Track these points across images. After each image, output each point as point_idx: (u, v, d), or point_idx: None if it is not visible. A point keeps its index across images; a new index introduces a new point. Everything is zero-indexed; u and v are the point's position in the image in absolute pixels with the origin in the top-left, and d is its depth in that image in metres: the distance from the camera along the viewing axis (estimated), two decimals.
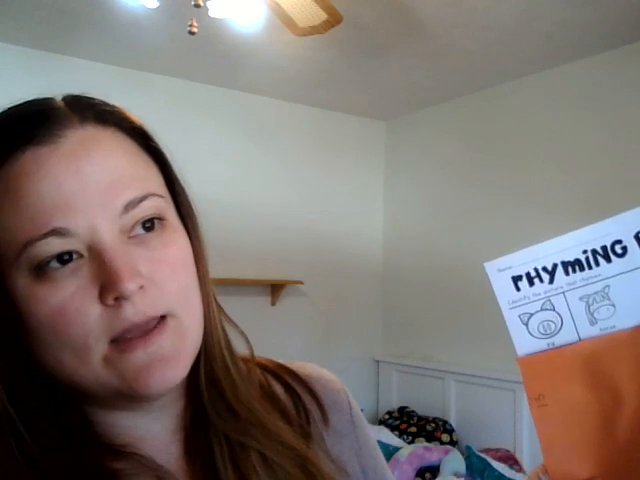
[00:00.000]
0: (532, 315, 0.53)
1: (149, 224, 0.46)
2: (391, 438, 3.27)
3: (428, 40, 2.79)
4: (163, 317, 0.46)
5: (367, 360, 3.94)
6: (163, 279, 0.46)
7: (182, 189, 0.54)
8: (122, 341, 0.44)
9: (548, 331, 0.53)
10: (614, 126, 2.81)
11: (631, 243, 0.50)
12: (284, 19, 2.12)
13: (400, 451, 2.98)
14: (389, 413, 3.63)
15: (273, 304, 3.59)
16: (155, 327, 0.45)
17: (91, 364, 0.44)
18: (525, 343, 0.54)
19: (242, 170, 3.52)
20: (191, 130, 3.34)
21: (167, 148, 0.54)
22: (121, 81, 3.11)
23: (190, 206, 0.54)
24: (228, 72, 3.27)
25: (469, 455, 2.92)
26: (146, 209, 0.46)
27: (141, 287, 0.44)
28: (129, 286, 0.43)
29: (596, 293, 0.51)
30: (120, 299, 0.43)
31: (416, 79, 3.31)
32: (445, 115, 3.67)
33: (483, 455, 2.85)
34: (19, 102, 0.47)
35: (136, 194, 0.46)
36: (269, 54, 2.98)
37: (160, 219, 0.47)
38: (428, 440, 3.22)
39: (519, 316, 0.54)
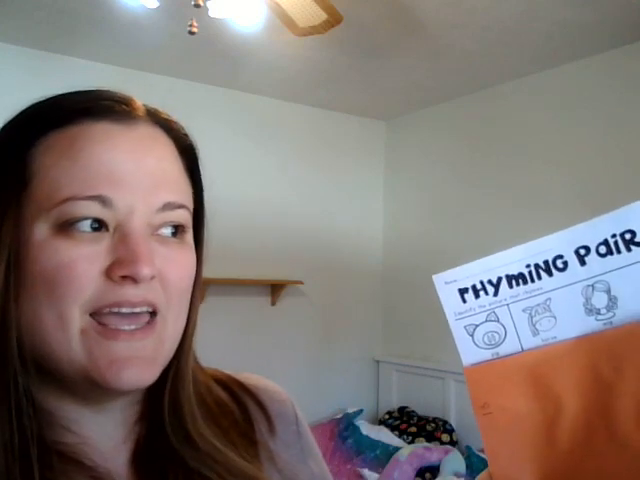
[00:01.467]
0: (477, 326, 0.56)
1: (174, 230, 0.50)
2: (391, 438, 3.27)
3: (428, 40, 2.79)
4: (153, 314, 0.47)
5: (367, 360, 3.94)
6: (170, 279, 0.48)
7: (204, 218, 0.57)
8: (109, 328, 0.45)
9: (492, 342, 0.55)
10: (614, 126, 2.81)
11: (571, 258, 0.52)
12: (284, 19, 2.12)
13: (400, 451, 2.98)
14: (389, 413, 3.63)
15: (273, 304, 3.59)
16: (146, 324, 0.47)
17: (68, 331, 0.45)
18: (471, 353, 0.56)
19: (242, 170, 3.52)
20: (191, 130, 3.33)
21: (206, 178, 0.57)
22: (121, 81, 3.10)
23: (203, 235, 0.57)
24: (228, 72, 3.27)
25: (469, 455, 2.92)
26: (178, 216, 0.49)
27: (152, 277, 0.46)
28: (144, 270, 0.45)
29: (538, 305, 0.53)
30: (127, 278, 0.45)
31: (416, 79, 3.31)
32: (445, 115, 3.67)
33: (483, 455, 2.85)
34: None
35: (177, 199, 0.49)
36: (269, 54, 2.98)
37: (184, 230, 0.51)
38: (428, 440, 3.22)
39: (465, 327, 0.56)
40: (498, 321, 0.55)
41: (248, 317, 3.48)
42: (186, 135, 0.56)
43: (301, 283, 3.59)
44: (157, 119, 0.52)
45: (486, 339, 0.55)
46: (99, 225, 0.46)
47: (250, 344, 3.46)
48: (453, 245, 3.48)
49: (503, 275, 0.55)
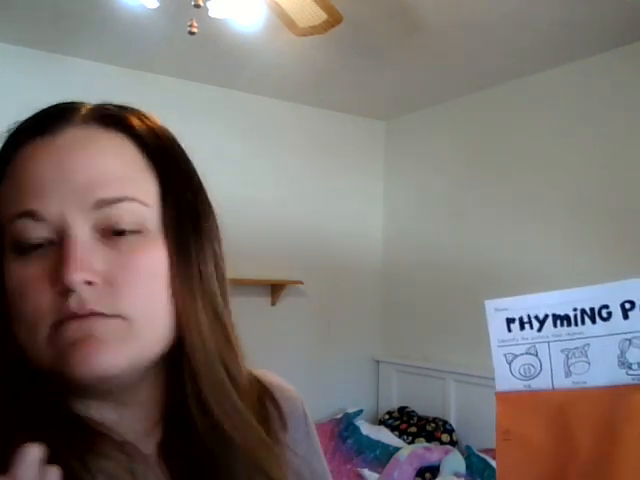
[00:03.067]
0: (516, 356, 0.58)
1: (121, 230, 0.48)
2: (391, 438, 3.27)
3: (428, 40, 2.79)
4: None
5: (367, 360, 3.94)
6: (121, 283, 0.47)
7: (184, 205, 0.54)
8: (62, 325, 0.47)
9: (527, 374, 0.57)
10: (614, 126, 2.81)
11: (616, 310, 0.54)
12: (284, 19, 2.12)
13: (400, 451, 2.98)
14: (389, 413, 3.63)
15: (273, 304, 3.59)
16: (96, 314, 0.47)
17: (37, 342, 0.46)
18: (505, 380, 0.58)
19: (242, 170, 3.52)
20: (191, 130, 3.32)
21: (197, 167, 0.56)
22: (121, 81, 3.11)
23: (190, 223, 0.55)
24: (228, 72, 3.27)
25: (469, 455, 2.92)
26: (122, 212, 0.48)
27: (89, 283, 0.45)
28: (74, 278, 0.44)
29: (576, 348, 0.56)
30: (63, 289, 0.45)
31: (416, 79, 3.31)
32: (445, 115, 3.67)
33: (483, 455, 2.85)
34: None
35: (113, 194, 0.48)
36: (269, 54, 2.98)
37: (138, 228, 0.49)
38: (428, 440, 3.22)
39: (504, 355, 0.59)
40: (537, 355, 0.57)
41: (248, 317, 3.45)
42: (149, 128, 0.54)
43: (301, 283, 3.59)
44: (90, 116, 0.51)
45: (522, 370, 0.58)
46: (41, 242, 0.47)
47: (250, 344, 3.45)
48: (453, 245, 3.48)
49: (550, 313, 0.57)
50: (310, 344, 3.71)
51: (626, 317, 0.54)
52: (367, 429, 3.38)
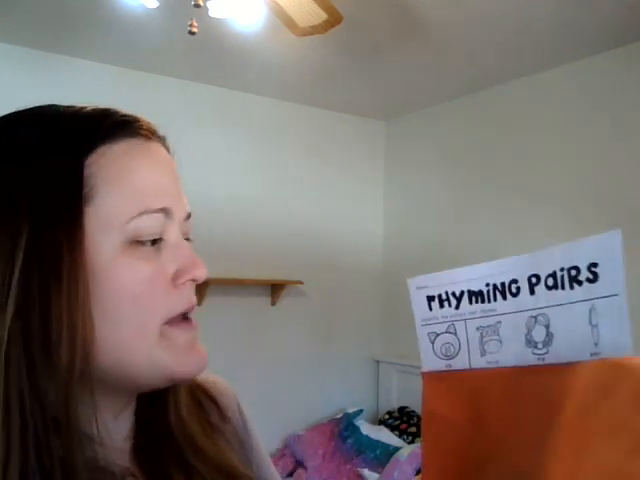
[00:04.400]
0: (438, 335, 0.57)
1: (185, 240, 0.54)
2: (391, 438, 3.27)
3: (428, 40, 2.79)
4: None
5: (367, 360, 3.94)
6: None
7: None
8: (180, 320, 0.50)
9: (448, 353, 0.56)
10: (614, 126, 2.81)
11: (524, 285, 0.51)
12: (284, 19, 2.12)
13: (400, 451, 2.98)
14: (389, 413, 3.63)
15: (273, 304, 3.59)
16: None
17: (148, 337, 0.47)
18: (429, 360, 0.57)
19: (242, 170, 3.52)
20: (191, 130, 3.34)
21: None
22: (121, 81, 3.11)
23: None
24: (228, 72, 3.27)
25: None
26: (189, 227, 0.55)
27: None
28: (204, 273, 0.51)
29: (489, 326, 0.53)
30: (187, 283, 0.50)
31: (416, 79, 3.31)
32: (445, 115, 3.67)
33: None
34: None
35: (189, 210, 0.55)
36: (269, 54, 2.98)
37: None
38: None
39: (428, 334, 0.58)
40: (455, 334, 0.56)
41: (248, 317, 3.48)
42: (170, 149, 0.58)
43: (301, 283, 3.59)
44: (160, 137, 0.55)
45: (443, 350, 0.56)
46: (155, 239, 0.49)
47: (250, 344, 3.46)
48: (453, 245, 3.48)
49: (466, 290, 0.55)
50: (310, 344, 3.71)
51: (532, 292, 0.51)
52: (367, 429, 3.38)
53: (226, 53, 2.97)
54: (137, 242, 0.47)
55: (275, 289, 3.56)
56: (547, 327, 0.50)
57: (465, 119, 3.54)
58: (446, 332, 0.56)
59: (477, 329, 0.54)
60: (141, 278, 0.47)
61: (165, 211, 0.49)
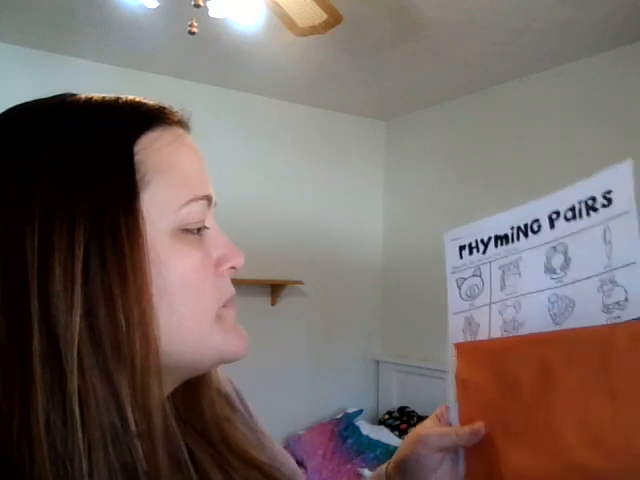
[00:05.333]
0: (465, 280, 0.63)
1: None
2: (391, 438, 3.27)
3: (428, 40, 2.79)
4: None
5: (367, 360, 3.94)
6: None
7: None
8: (227, 303, 0.51)
9: (472, 294, 0.62)
10: (614, 126, 2.81)
11: (545, 221, 0.58)
12: (284, 19, 2.12)
13: None
14: (389, 413, 3.63)
15: (273, 304, 3.59)
16: None
17: (208, 322, 0.48)
18: (455, 303, 0.64)
19: (242, 170, 3.52)
20: (191, 130, 3.33)
21: None
22: (121, 81, 3.11)
23: None
24: (228, 72, 3.27)
25: None
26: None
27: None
28: (242, 261, 0.51)
29: (511, 263, 0.59)
30: (228, 271, 0.50)
31: (416, 79, 3.31)
32: (445, 115, 3.67)
33: None
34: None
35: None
36: (269, 54, 2.98)
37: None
38: None
39: (456, 280, 0.64)
40: (480, 276, 0.61)
41: (248, 317, 3.46)
42: None
43: (301, 283, 3.59)
44: (189, 127, 0.57)
45: (468, 292, 0.62)
46: (199, 228, 0.49)
47: (250, 344, 3.45)
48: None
49: (493, 235, 0.60)
50: (310, 344, 3.71)
51: (552, 227, 0.56)
52: (367, 429, 3.38)
53: (226, 53, 2.97)
54: (185, 230, 0.47)
55: (275, 289, 3.56)
56: (565, 253, 0.55)
57: (465, 119, 3.54)
58: (472, 275, 0.62)
59: (499, 267, 0.59)
60: (195, 265, 0.47)
61: (208, 199, 0.50)
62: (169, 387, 0.49)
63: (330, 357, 3.78)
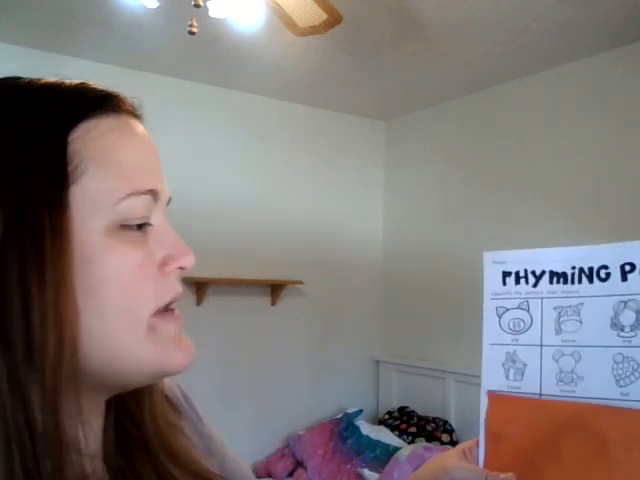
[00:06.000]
0: (507, 310, 0.58)
1: None
2: (391, 438, 3.27)
3: (428, 40, 2.79)
4: None
5: (367, 360, 3.94)
6: None
7: None
8: (165, 311, 0.46)
9: (517, 328, 0.57)
10: (614, 125, 2.81)
11: (615, 271, 0.53)
12: (284, 19, 2.12)
13: (400, 451, 2.98)
14: (389, 413, 3.63)
15: (273, 304, 3.59)
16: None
17: (138, 330, 0.44)
18: (493, 333, 0.58)
19: (242, 170, 3.52)
20: (191, 130, 3.34)
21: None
22: (121, 81, 3.10)
23: None
24: (228, 72, 3.27)
25: None
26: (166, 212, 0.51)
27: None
28: (193, 261, 0.48)
29: (569, 307, 0.55)
30: (174, 271, 0.47)
31: (416, 79, 3.31)
32: (445, 115, 3.67)
33: None
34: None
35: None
36: (269, 54, 2.98)
37: None
38: (428, 440, 3.22)
39: (496, 307, 0.58)
40: (528, 311, 0.56)
41: (248, 317, 3.48)
42: None
43: (301, 283, 3.59)
44: (141, 116, 0.52)
45: (511, 324, 0.57)
46: (142, 224, 0.45)
47: (250, 344, 3.46)
48: (453, 245, 3.48)
49: (547, 270, 0.56)
50: (310, 344, 3.71)
51: (624, 279, 0.52)
52: (367, 429, 3.38)
53: (226, 53, 2.97)
54: (124, 226, 0.43)
55: (275, 289, 3.56)
56: (637, 312, 0.51)
57: (465, 119, 3.54)
58: (518, 308, 0.57)
59: (554, 308, 0.55)
60: (131, 265, 0.43)
61: (153, 193, 0.46)
62: (102, 395, 0.47)
63: (330, 357, 3.78)
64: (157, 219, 0.47)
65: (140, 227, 0.45)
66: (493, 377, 0.58)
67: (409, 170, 3.93)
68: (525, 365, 0.56)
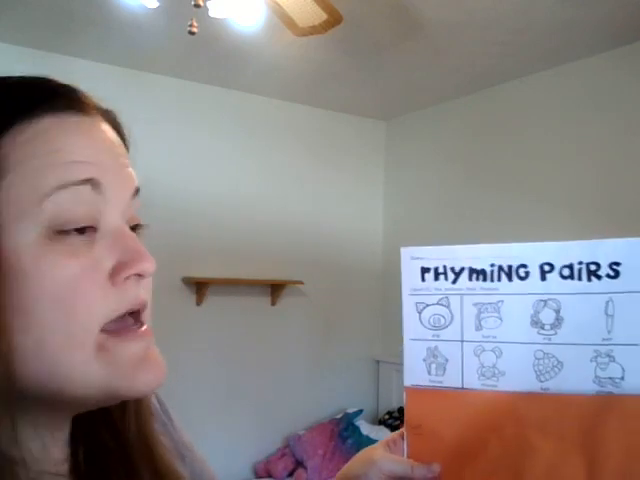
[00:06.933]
0: (427, 306, 0.58)
1: (135, 225, 0.46)
2: None
3: (428, 40, 2.79)
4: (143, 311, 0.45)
5: (367, 360, 3.94)
6: (149, 279, 0.45)
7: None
8: (120, 328, 0.41)
9: (437, 324, 0.58)
10: (614, 125, 2.81)
11: (535, 271, 0.55)
12: (284, 19, 2.12)
13: None
14: (389, 413, 3.63)
15: (273, 304, 3.59)
16: (147, 328, 0.44)
17: (84, 349, 0.39)
18: (413, 329, 0.59)
19: (242, 170, 3.52)
20: (191, 130, 3.34)
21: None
22: (121, 81, 3.11)
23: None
24: (228, 72, 3.27)
25: None
26: (137, 202, 0.46)
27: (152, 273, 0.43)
28: (151, 266, 0.42)
29: (490, 304, 0.56)
30: (130, 278, 0.41)
31: (416, 79, 3.31)
32: (445, 115, 3.67)
33: None
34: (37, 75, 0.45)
35: (138, 184, 0.46)
36: (269, 54, 2.98)
37: (140, 221, 0.47)
38: None
39: (416, 303, 0.59)
40: (448, 307, 0.57)
41: (248, 317, 3.48)
42: (123, 126, 0.50)
43: (301, 283, 3.59)
44: (104, 111, 0.47)
45: (432, 320, 0.58)
46: (84, 227, 0.40)
47: (250, 344, 3.46)
48: (452, 245, 3.47)
49: (467, 267, 0.57)
50: (310, 344, 3.71)
51: (544, 279, 0.54)
52: (367, 429, 3.38)
53: (226, 53, 2.97)
54: (61, 232, 0.39)
55: (275, 289, 3.56)
56: (557, 311, 0.53)
57: (465, 119, 3.54)
58: (437, 304, 0.58)
59: (474, 305, 0.56)
60: (65, 278, 0.38)
61: (93, 184, 0.40)
62: (65, 412, 0.44)
63: (330, 357, 3.78)
64: (110, 220, 0.42)
65: (83, 231, 0.40)
66: (415, 372, 0.59)
67: (409, 170, 3.93)
68: (447, 360, 0.57)
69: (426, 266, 0.59)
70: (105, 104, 0.49)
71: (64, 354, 0.39)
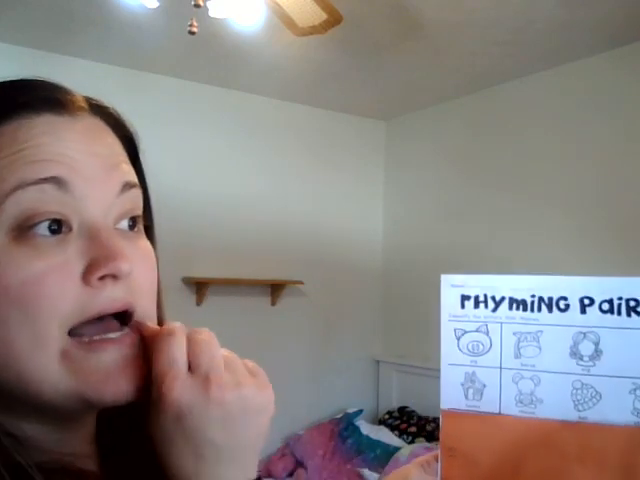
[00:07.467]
0: (466, 332, 0.60)
1: (132, 222, 0.45)
2: (391, 438, 3.27)
3: (428, 40, 2.79)
4: (130, 314, 0.43)
5: (367, 360, 3.94)
6: (139, 276, 0.43)
7: (151, 214, 0.52)
8: (94, 340, 0.40)
9: (475, 350, 0.59)
10: (614, 125, 2.81)
11: (574, 303, 0.56)
12: (284, 19, 2.12)
13: (400, 451, 2.98)
14: (389, 413, 3.63)
15: (273, 304, 3.59)
16: (129, 328, 0.43)
17: (47, 352, 0.39)
18: (452, 354, 0.60)
19: (242, 170, 3.52)
20: (191, 130, 3.34)
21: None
22: (121, 81, 3.11)
23: (154, 233, 0.52)
24: (228, 72, 3.27)
25: None
26: (133, 198, 0.45)
27: (129, 274, 0.41)
28: (125, 264, 0.40)
29: (529, 333, 0.57)
30: (106, 279, 0.40)
31: (416, 79, 3.31)
32: (445, 115, 3.67)
33: None
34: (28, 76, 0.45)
35: (132, 178, 0.45)
36: (269, 54, 2.98)
37: (140, 221, 0.46)
38: (428, 440, 3.22)
39: (455, 329, 0.60)
40: (487, 334, 0.59)
41: (248, 317, 3.48)
42: (125, 123, 0.49)
43: (301, 283, 3.59)
44: (96, 109, 0.47)
45: (470, 346, 0.59)
46: (59, 226, 0.40)
47: (250, 344, 3.45)
48: (453, 245, 3.48)
49: (507, 296, 0.58)
50: (310, 344, 3.71)
51: (583, 312, 0.55)
52: (367, 429, 3.38)
53: (226, 53, 2.97)
54: (27, 233, 0.39)
55: (275, 289, 3.56)
56: (596, 344, 0.55)
57: (465, 119, 3.54)
58: (476, 331, 0.59)
59: (514, 333, 0.58)
60: (29, 277, 0.38)
61: (56, 181, 0.40)
62: (60, 413, 0.43)
63: (330, 357, 3.78)
64: (87, 217, 0.41)
65: (55, 232, 0.40)
66: (452, 396, 0.60)
67: (409, 170, 3.93)
68: (484, 385, 0.58)
69: (466, 294, 0.60)
70: (106, 103, 0.49)
71: (28, 355, 0.39)
